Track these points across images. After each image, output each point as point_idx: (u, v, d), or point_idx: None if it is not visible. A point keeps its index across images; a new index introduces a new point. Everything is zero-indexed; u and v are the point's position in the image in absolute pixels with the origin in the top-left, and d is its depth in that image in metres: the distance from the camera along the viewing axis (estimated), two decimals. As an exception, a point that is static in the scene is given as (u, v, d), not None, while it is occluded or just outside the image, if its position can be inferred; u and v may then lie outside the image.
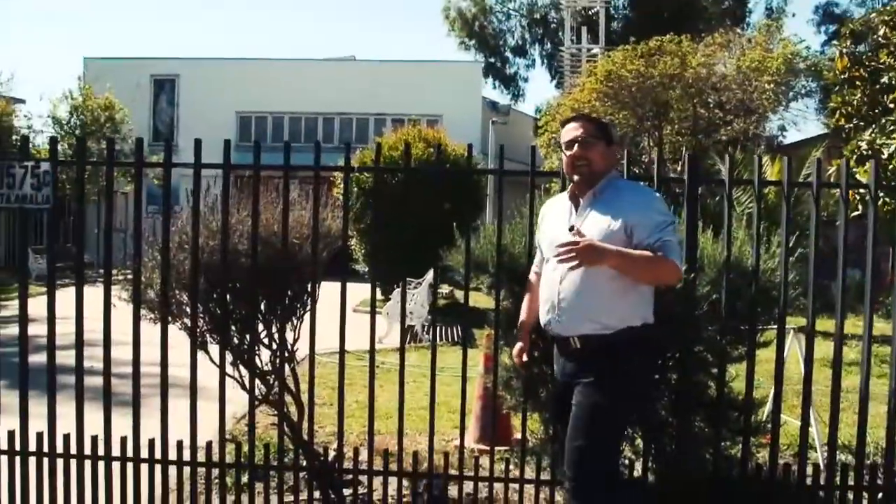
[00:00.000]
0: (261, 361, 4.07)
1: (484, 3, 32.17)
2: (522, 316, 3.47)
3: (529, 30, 32.37)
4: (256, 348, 3.97)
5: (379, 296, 14.97)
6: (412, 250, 10.54)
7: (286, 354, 4.11)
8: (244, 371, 4.03)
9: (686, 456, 3.96)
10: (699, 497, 3.92)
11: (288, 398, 4.13)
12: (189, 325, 3.96)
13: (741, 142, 18.27)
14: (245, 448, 4.11)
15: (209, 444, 4.00)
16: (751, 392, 3.96)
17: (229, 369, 3.93)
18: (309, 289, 4.00)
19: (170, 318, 3.90)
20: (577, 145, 3.06)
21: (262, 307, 3.95)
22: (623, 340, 2.99)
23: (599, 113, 17.29)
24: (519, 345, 3.43)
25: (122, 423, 3.93)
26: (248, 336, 3.95)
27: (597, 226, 3.00)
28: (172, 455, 3.94)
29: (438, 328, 11.77)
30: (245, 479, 4.16)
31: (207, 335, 4.00)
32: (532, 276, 3.47)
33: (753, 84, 16.46)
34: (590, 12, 26.56)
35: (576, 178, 3.09)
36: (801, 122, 30.53)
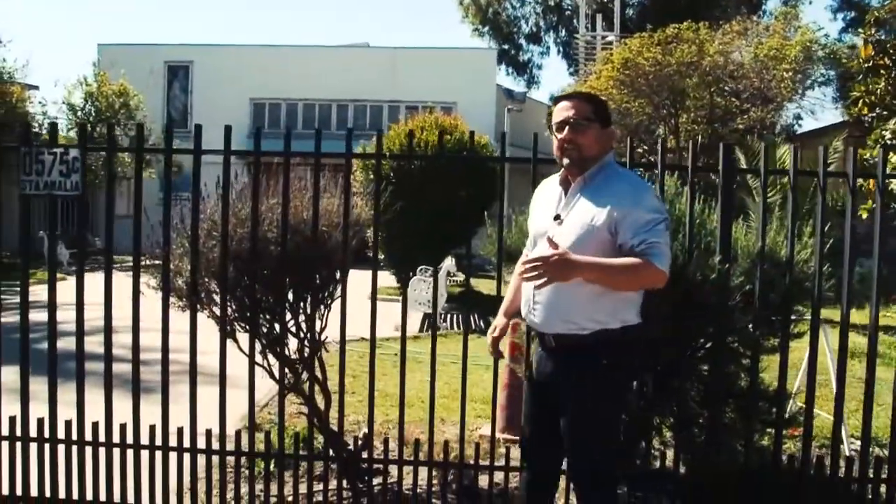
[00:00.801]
0: (288, 350, 4.05)
1: (499, -11, 32.07)
2: (505, 302, 3.32)
3: (544, 17, 32.15)
4: (283, 336, 3.95)
5: (394, 283, 15.00)
6: (427, 238, 10.53)
7: (314, 343, 4.09)
8: (271, 360, 4.01)
9: (717, 447, 3.93)
10: (730, 489, 3.89)
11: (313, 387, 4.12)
12: (217, 312, 3.95)
13: (757, 130, 18.15)
14: (273, 437, 4.08)
15: (238, 433, 3.99)
16: (784, 384, 3.92)
17: (257, 358, 3.92)
18: (338, 277, 3.97)
19: (197, 306, 3.88)
20: (567, 128, 2.83)
21: (291, 295, 3.92)
22: (599, 342, 2.80)
23: (616, 101, 17.21)
24: (493, 328, 3.26)
25: (146, 411, 3.91)
26: (276, 325, 3.92)
27: (581, 219, 2.80)
28: (200, 443, 3.93)
29: (454, 316, 11.77)
30: (272, 467, 4.14)
31: (235, 324, 3.98)
32: (520, 263, 3.25)
33: (772, 72, 16.30)
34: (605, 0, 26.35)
35: (564, 162, 2.87)
36: (819, 110, 30.16)
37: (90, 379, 3.92)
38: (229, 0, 71.97)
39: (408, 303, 4.31)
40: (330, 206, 3.96)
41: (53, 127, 4.09)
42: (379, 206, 3.98)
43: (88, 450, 3.92)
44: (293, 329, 4.01)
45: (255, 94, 24.70)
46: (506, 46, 31.92)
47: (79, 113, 20.00)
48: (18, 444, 3.94)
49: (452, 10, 55.91)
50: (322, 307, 3.99)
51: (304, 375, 4.10)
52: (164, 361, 3.88)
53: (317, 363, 4.14)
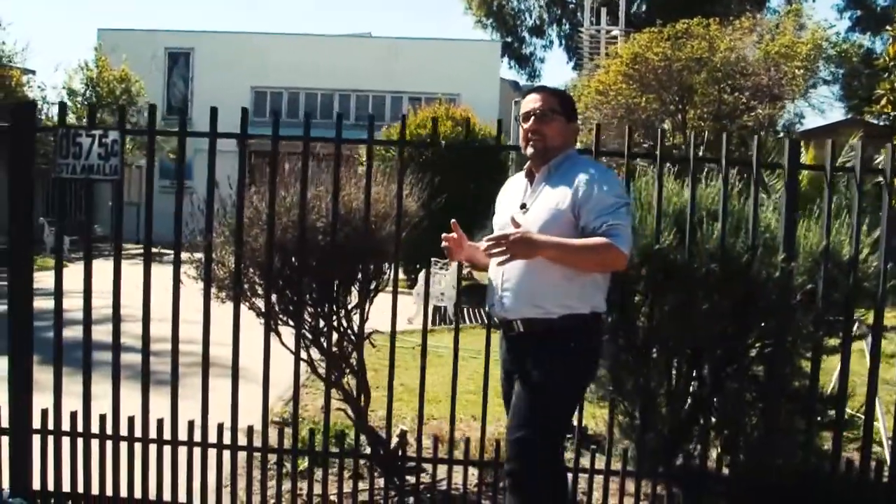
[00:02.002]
0: (328, 344, 3.91)
1: (504, -19, 31.86)
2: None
3: (548, 10, 31.90)
4: (329, 330, 3.80)
5: (401, 276, 14.84)
6: (441, 230, 10.33)
7: (355, 337, 3.96)
8: (307, 354, 3.87)
9: (773, 449, 3.82)
10: (785, 492, 3.77)
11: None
12: (257, 304, 3.81)
13: (765, 128, 18.05)
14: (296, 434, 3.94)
15: (281, 431, 3.84)
16: (845, 385, 3.80)
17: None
18: (385, 269, 3.84)
19: (215, 294, 3.73)
20: (532, 118, 2.91)
21: (337, 288, 3.78)
22: (568, 327, 2.80)
23: (625, 95, 17.06)
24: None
25: (158, 404, 3.77)
26: (320, 318, 3.77)
27: (546, 205, 2.84)
28: (227, 439, 3.78)
29: (466, 310, 11.62)
30: (301, 466, 4.00)
31: (276, 316, 3.83)
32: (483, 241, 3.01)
33: (783, 69, 16.17)
34: (610, -7, 26.14)
35: (529, 151, 2.94)
36: (827, 109, 30.01)
37: (108, 371, 3.77)
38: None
39: (421, 296, 4.17)
40: (378, 195, 3.81)
41: (63, 107, 3.90)
42: (402, 194, 3.77)
43: (123, 445, 3.77)
44: (334, 323, 3.87)
45: (257, 82, 24.46)
46: (508, 39, 31.70)
47: (79, 98, 19.69)
48: (51, 438, 3.78)
49: (454, 2, 55.71)
50: (367, 301, 3.84)
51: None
52: (205, 356, 3.72)
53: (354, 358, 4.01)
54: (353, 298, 3.90)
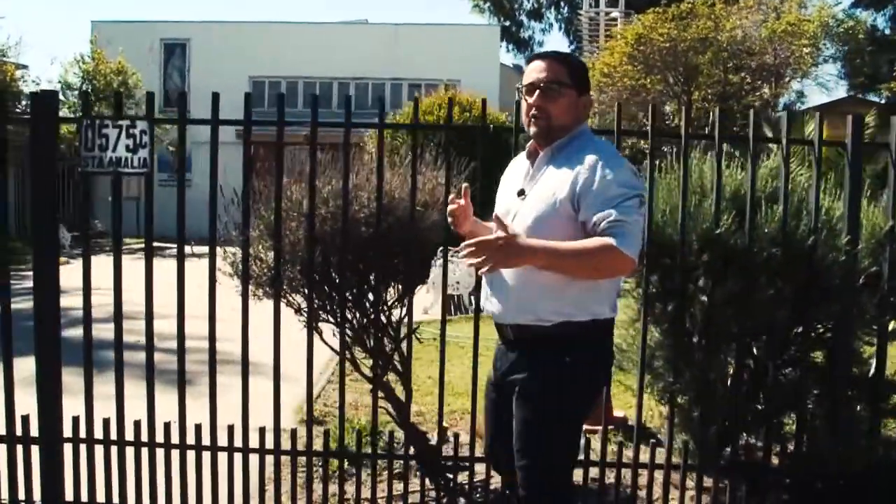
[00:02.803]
0: (370, 340, 3.73)
1: (501, -35, 31.54)
2: None
3: (546, -7, 31.72)
4: (371, 326, 3.62)
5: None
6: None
7: (393, 331, 3.79)
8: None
9: (836, 438, 3.66)
10: (847, 481, 3.63)
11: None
12: (295, 300, 3.63)
13: (771, 106, 17.88)
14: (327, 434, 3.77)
15: (327, 432, 3.67)
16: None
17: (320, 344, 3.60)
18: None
19: (252, 291, 3.56)
20: (537, 92, 2.43)
21: (378, 281, 3.60)
22: (565, 335, 2.39)
23: (630, 76, 16.86)
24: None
25: (192, 407, 3.59)
26: (363, 314, 3.59)
27: (544, 193, 2.40)
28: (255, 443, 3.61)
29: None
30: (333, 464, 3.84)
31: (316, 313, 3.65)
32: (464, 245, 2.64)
33: (791, 48, 15.98)
34: (609, -26, 25.81)
35: (532, 130, 2.48)
36: (833, 87, 29.53)
37: (132, 372, 3.62)
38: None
39: (437, 286, 3.99)
40: (421, 182, 3.63)
41: (86, 97, 3.70)
42: (416, 180, 3.54)
43: (160, 452, 3.59)
44: (373, 317, 3.69)
45: (255, 71, 24.10)
46: (507, 23, 31.40)
47: (76, 92, 19.38)
48: (83, 447, 3.60)
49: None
50: (412, 293, 3.66)
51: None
52: (245, 357, 3.53)
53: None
54: (395, 292, 3.73)
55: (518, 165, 2.63)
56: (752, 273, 3.53)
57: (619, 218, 2.21)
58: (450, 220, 2.69)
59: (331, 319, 3.63)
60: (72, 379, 3.68)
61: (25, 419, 3.59)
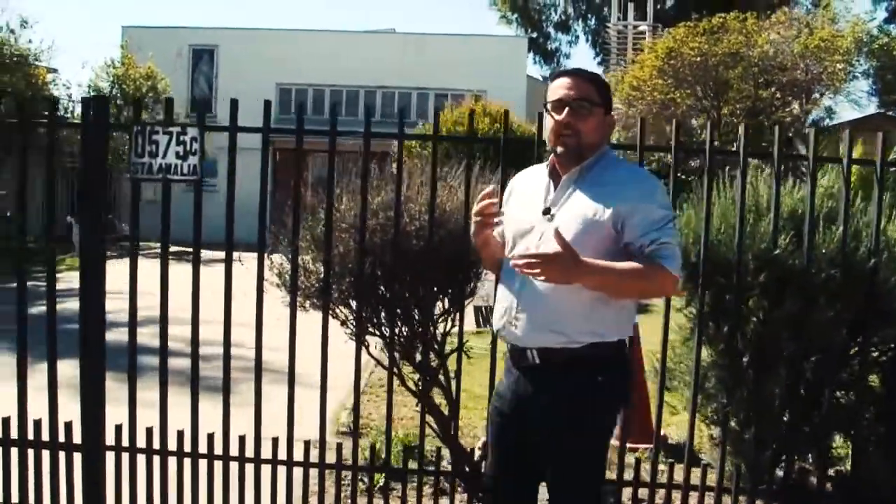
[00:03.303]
0: (418, 355, 3.68)
1: (530, -24, 31.54)
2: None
3: (574, 5, 31.54)
4: (420, 341, 3.57)
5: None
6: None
7: (438, 345, 3.73)
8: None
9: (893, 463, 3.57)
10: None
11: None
12: (342, 312, 3.59)
13: (801, 123, 17.71)
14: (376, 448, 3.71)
15: (373, 447, 3.62)
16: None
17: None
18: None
19: (300, 303, 3.51)
20: (567, 109, 2.38)
21: (428, 295, 3.54)
22: (594, 356, 2.34)
23: (660, 90, 16.76)
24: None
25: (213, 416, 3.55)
26: (411, 328, 3.54)
27: (579, 213, 2.35)
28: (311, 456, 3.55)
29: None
30: (379, 480, 3.78)
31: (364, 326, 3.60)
32: (514, 256, 2.47)
33: (823, 64, 15.82)
34: (637, -12, 25.76)
35: (559, 150, 2.42)
36: (865, 103, 28.99)
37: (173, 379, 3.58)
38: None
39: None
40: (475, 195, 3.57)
41: (138, 104, 3.68)
42: (435, 192, 3.45)
43: (203, 462, 3.55)
44: (420, 331, 3.64)
45: (282, 78, 24.19)
46: (534, 34, 31.35)
47: (106, 96, 19.54)
48: (125, 455, 3.56)
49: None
50: (461, 308, 3.60)
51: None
52: (291, 371, 3.49)
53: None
54: (442, 306, 3.68)
55: (535, 181, 2.54)
56: (811, 294, 3.46)
57: (665, 240, 2.28)
58: (476, 219, 2.54)
59: (378, 333, 3.58)
60: (113, 385, 3.64)
61: (69, 426, 3.56)
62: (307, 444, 3.51)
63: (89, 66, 30.82)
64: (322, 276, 3.47)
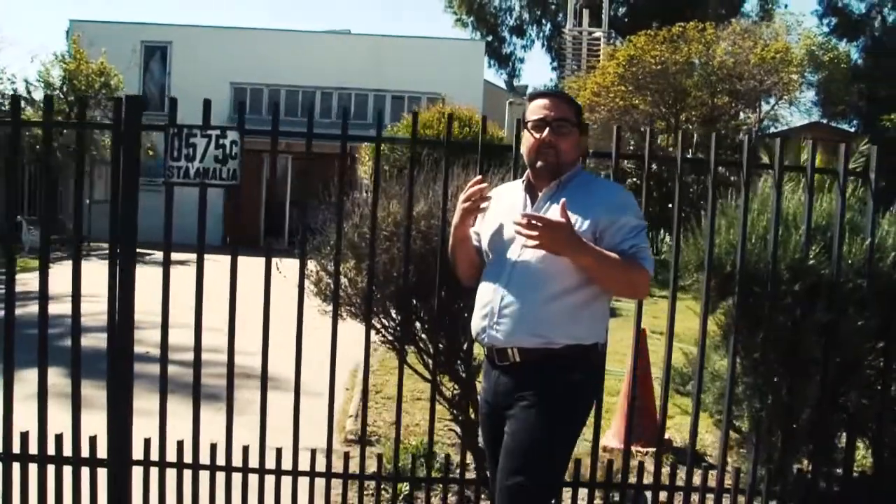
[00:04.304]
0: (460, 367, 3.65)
1: (487, -21, 31.69)
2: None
3: (529, 10, 31.79)
4: (461, 352, 3.53)
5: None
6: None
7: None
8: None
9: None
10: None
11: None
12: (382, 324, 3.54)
13: (755, 131, 18.21)
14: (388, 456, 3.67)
15: (414, 458, 3.56)
16: None
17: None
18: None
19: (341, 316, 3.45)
20: (548, 129, 2.56)
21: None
22: (571, 357, 2.49)
23: (622, 97, 17.03)
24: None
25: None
26: (451, 340, 3.50)
27: None
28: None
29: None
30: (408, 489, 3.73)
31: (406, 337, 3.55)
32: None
33: (780, 74, 16.31)
34: (593, -5, 26.13)
35: (538, 165, 2.58)
36: (796, 113, 29.89)
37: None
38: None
39: None
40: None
41: (174, 104, 3.56)
42: (412, 197, 3.44)
43: (237, 476, 3.46)
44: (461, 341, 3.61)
45: (237, 78, 23.78)
46: (489, 38, 31.48)
47: (57, 92, 18.93)
48: (154, 470, 3.44)
49: (433, 1, 55.18)
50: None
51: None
52: (332, 384, 3.42)
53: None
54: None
55: (512, 196, 2.69)
56: (840, 303, 3.54)
57: (643, 245, 2.50)
58: (465, 204, 2.67)
59: (417, 345, 3.53)
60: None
61: (93, 441, 3.43)
62: (346, 455, 3.45)
63: (38, 60, 29.72)
64: (361, 284, 3.41)
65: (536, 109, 2.60)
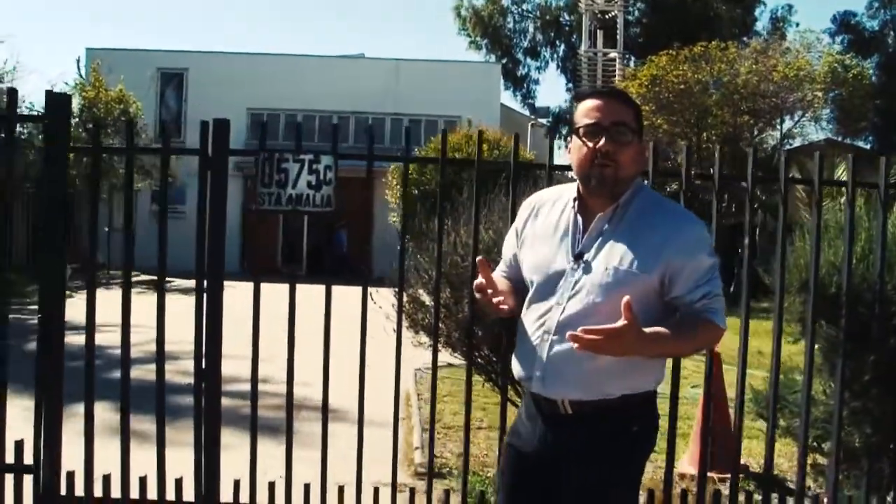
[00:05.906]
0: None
1: (501, 2, 31.65)
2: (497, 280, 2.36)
3: (543, 31, 31.77)
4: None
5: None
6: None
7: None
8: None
9: None
10: None
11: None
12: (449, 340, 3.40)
13: (777, 148, 18.12)
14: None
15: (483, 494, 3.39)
16: None
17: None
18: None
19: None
20: (605, 136, 2.10)
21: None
22: (629, 407, 2.19)
23: (647, 117, 16.94)
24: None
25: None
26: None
27: (613, 262, 2.13)
28: None
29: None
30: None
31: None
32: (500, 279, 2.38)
33: (803, 92, 16.25)
34: (607, 16, 26.17)
35: (593, 182, 2.14)
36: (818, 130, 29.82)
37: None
38: (221, 10, 70.39)
39: None
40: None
41: (263, 128, 3.44)
42: (443, 217, 3.38)
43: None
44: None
45: (253, 103, 23.80)
46: (504, 60, 31.46)
47: (76, 119, 18.94)
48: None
49: (446, 22, 55.38)
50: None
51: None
52: (396, 416, 3.27)
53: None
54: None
55: (557, 214, 2.27)
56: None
57: (715, 293, 2.13)
58: (478, 296, 2.29)
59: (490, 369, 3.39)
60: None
61: (179, 482, 3.27)
62: (376, 490, 3.30)
63: (57, 89, 29.85)
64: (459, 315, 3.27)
65: (589, 112, 2.14)
